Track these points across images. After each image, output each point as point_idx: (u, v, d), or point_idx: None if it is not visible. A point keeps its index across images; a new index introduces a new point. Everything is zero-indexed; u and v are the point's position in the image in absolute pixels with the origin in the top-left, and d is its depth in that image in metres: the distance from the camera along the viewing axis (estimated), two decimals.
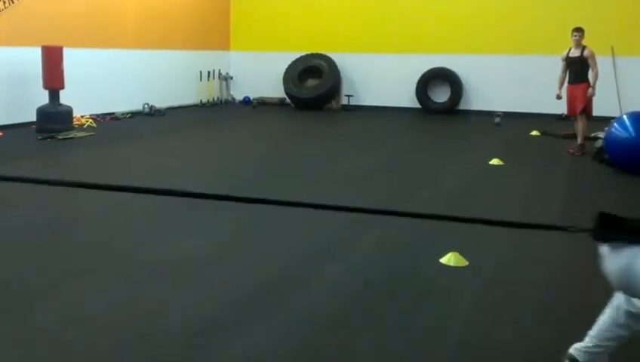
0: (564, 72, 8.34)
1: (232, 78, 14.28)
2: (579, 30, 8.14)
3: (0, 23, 8.95)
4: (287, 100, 13.59)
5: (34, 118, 9.00)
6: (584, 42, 8.15)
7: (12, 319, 3.05)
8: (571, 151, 8.06)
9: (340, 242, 4.37)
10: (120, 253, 4.05)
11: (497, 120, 11.06)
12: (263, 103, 13.80)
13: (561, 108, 11.15)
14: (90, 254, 4.01)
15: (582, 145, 8.05)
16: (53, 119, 8.90)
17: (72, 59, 9.43)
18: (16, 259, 3.90)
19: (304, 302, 3.32)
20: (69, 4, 10.08)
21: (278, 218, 4.96)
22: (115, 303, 3.27)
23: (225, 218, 4.90)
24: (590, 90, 8.03)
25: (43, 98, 9.03)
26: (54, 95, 9.05)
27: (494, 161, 7.29)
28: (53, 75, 9.01)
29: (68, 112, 9.15)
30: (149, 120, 10.94)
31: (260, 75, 14.04)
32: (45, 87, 9.04)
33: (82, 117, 9.94)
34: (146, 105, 11.53)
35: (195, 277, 3.66)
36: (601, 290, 3.59)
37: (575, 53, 8.15)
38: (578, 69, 8.13)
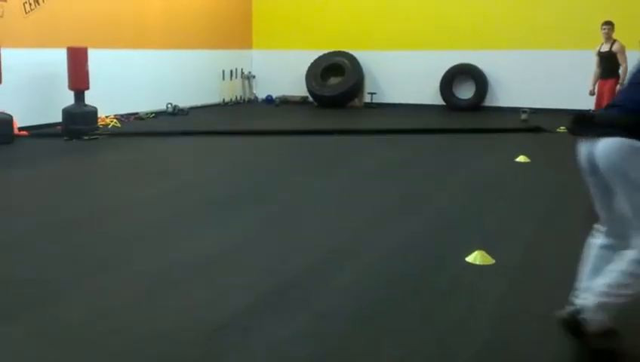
0: (598, 67, 8.16)
1: (254, 76, 14.30)
2: (607, 23, 7.96)
3: (26, 25, 9.08)
4: (310, 98, 13.56)
5: (60, 119, 9.11)
6: (615, 36, 7.96)
7: (36, 313, 3.07)
8: None
9: (364, 238, 4.31)
10: (147, 249, 4.05)
11: (524, 116, 10.88)
12: (285, 102, 13.79)
13: (589, 103, 10.92)
14: (118, 247, 4.02)
15: None
16: (79, 120, 8.99)
17: (97, 60, 9.53)
18: (42, 254, 3.93)
19: (327, 298, 3.27)
20: (94, 5, 10.18)
21: (301, 212, 4.93)
22: (140, 297, 3.26)
23: (243, 215, 4.88)
24: (618, 86, 7.84)
25: (69, 99, 9.14)
26: (79, 96, 9.15)
27: (521, 158, 7.16)
28: (78, 75, 9.10)
29: (93, 113, 9.23)
30: (173, 119, 11.00)
31: (282, 73, 14.04)
32: (71, 88, 9.14)
33: (107, 117, 10.04)
34: (169, 105, 11.60)
35: (219, 273, 3.64)
36: None
37: (605, 47, 7.99)
38: (607, 64, 7.97)
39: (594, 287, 2.57)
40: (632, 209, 2.44)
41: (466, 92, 12.76)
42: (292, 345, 2.78)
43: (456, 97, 12.79)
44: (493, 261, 3.79)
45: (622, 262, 2.49)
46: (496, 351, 2.77)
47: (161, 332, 2.89)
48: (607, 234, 2.70)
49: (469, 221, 4.83)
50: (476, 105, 12.57)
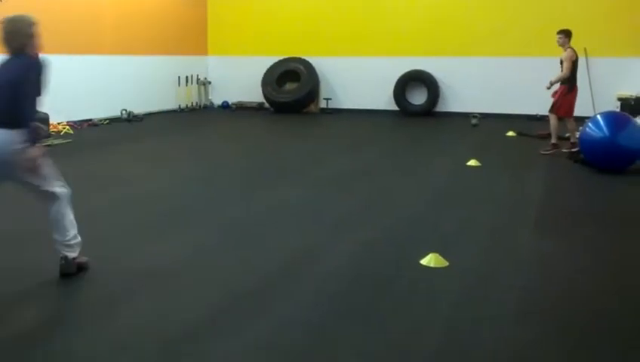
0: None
1: (210, 82, 14.25)
2: (559, 32, 8.24)
3: None
4: (266, 104, 13.61)
5: None
6: (571, 44, 8.22)
7: None
8: (542, 151, 8.17)
9: (322, 246, 4.40)
10: (102, 260, 4.03)
11: (474, 121, 11.19)
12: (241, 107, 13.79)
13: (537, 108, 11.35)
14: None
15: (554, 144, 8.17)
16: None
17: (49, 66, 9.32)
18: None
19: (285, 307, 3.34)
20: (44, 9, 9.96)
21: (257, 222, 4.98)
22: (96, 311, 3.26)
23: (201, 224, 4.90)
24: (549, 84, 8.16)
25: None
26: None
27: (472, 162, 7.39)
28: None
29: (44, 120, 9.03)
30: (127, 126, 10.87)
31: (239, 79, 14.04)
32: None
33: (59, 124, 9.85)
34: (123, 111, 11.46)
35: (175, 283, 3.66)
36: (579, 288, 3.67)
37: (561, 55, 8.30)
38: (559, 71, 8.28)
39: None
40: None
41: (418, 98, 13.04)
42: (248, 356, 2.82)
43: (410, 103, 13.05)
44: (447, 263, 3.93)
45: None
46: (450, 354, 2.90)
47: (118, 345, 2.90)
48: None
49: (422, 225, 4.98)
50: (429, 110, 12.85)
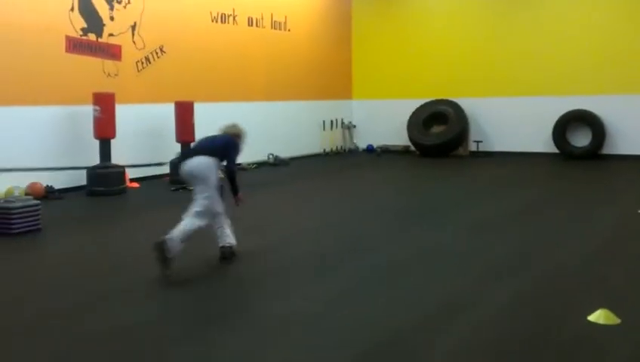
0: None
1: (354, 126, 14.27)
2: None
3: (138, 82, 9.60)
4: (412, 148, 13.28)
5: (168, 170, 9.43)
6: None
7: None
8: None
9: (473, 295, 3.94)
10: (246, 303, 3.91)
11: None
12: (386, 151, 13.59)
13: None
14: (223, 302, 3.91)
15: None
16: None
17: (203, 113, 9.85)
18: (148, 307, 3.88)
19: (436, 354, 3.01)
20: (201, 62, 10.62)
21: (403, 267, 4.63)
22: (241, 350, 3.08)
23: (346, 267, 4.65)
24: None
25: (177, 151, 9.46)
26: (186, 148, 9.44)
27: None
28: (185, 128, 9.44)
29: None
30: (274, 170, 11.10)
31: (383, 122, 13.90)
32: (178, 140, 9.48)
33: None
34: (270, 156, 11.76)
35: (319, 327, 3.44)
36: None
37: None
38: None
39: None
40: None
41: (581, 139, 11.93)
42: None
43: (571, 145, 11.98)
44: (619, 321, 3.29)
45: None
46: None
47: None
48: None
49: (591, 277, 4.30)
50: (593, 153, 11.68)
